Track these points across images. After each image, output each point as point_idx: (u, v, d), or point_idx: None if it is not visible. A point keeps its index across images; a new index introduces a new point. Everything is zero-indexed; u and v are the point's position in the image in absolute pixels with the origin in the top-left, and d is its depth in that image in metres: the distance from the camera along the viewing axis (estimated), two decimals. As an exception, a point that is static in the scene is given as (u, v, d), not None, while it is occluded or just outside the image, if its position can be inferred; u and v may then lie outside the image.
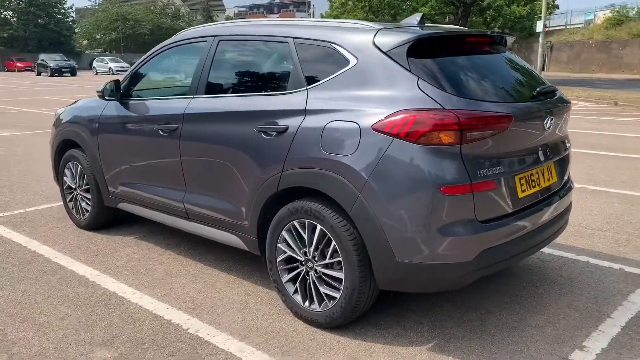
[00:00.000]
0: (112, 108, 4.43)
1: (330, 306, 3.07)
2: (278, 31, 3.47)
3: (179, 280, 3.87)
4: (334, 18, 30.12)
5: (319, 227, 3.04)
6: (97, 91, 4.51)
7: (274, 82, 3.52)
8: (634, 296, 3.60)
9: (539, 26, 23.63)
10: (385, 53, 2.93)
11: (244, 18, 80.00)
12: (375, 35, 3.02)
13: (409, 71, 2.85)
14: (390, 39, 2.96)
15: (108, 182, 4.58)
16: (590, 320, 3.27)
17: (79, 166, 4.84)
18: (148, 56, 4.33)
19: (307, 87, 3.17)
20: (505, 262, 3.07)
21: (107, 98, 4.41)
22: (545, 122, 3.14)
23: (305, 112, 3.09)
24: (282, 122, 3.18)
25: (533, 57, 42.67)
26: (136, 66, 4.40)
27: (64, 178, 5.06)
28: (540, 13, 23.47)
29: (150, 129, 4.05)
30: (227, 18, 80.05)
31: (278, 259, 3.30)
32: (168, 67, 4.63)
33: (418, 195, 2.70)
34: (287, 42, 3.37)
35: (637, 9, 36.29)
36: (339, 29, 3.22)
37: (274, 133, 3.21)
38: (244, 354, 2.92)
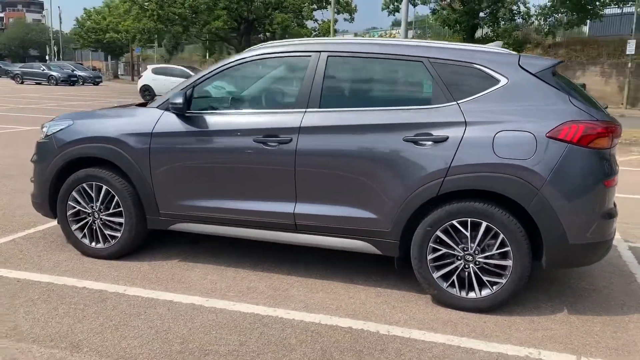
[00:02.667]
0: (173, 121, 4.07)
1: (494, 291, 3.54)
2: (409, 51, 3.78)
3: (317, 294, 3.84)
4: (116, 24, 28.13)
5: (484, 224, 3.49)
6: (152, 104, 4.08)
7: (411, 97, 3.82)
8: None
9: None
10: (533, 74, 3.55)
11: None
12: (519, 59, 3.61)
13: (559, 90, 3.52)
14: (535, 63, 3.60)
15: (160, 203, 4.16)
16: None
17: (104, 187, 4.25)
18: (219, 68, 4.11)
19: (458, 102, 3.59)
20: None
21: (173, 111, 4.02)
22: None
23: (465, 124, 3.52)
24: (439, 132, 3.54)
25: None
26: (201, 78, 4.12)
27: (69, 202, 4.35)
28: (325, 34, 25.88)
29: (243, 142, 3.90)
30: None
31: (429, 257, 3.63)
32: (246, 80, 4.41)
33: (589, 188, 3.40)
34: (421, 62, 3.72)
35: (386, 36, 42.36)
36: (477, 52, 3.72)
37: (430, 143, 3.54)
38: (456, 341, 3.22)
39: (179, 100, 3.92)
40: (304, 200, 3.85)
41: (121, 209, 4.25)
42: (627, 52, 25.02)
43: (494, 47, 3.94)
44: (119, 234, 4.30)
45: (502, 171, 3.43)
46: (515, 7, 30.37)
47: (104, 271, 4.14)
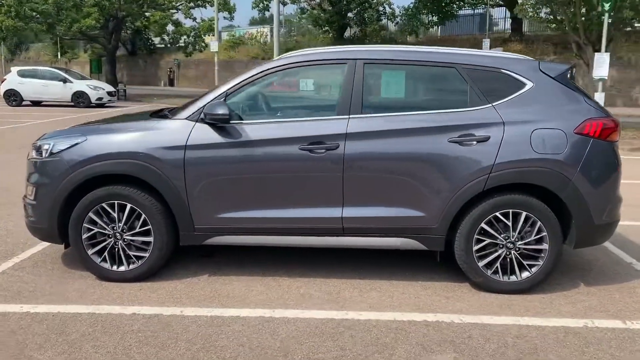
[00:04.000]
0: (209, 133, 3.94)
1: (533, 273, 3.95)
2: (441, 58, 4.04)
3: (370, 293, 3.95)
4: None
5: (524, 213, 3.89)
6: (182, 115, 3.91)
7: (448, 101, 4.08)
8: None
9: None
10: (553, 78, 4.01)
11: None
12: (539, 65, 4.05)
13: (574, 91, 4.02)
14: (553, 67, 4.06)
15: (196, 217, 4.01)
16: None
17: (128, 206, 3.99)
18: (252, 76, 4.04)
19: (493, 104, 3.94)
20: None
21: (213, 122, 3.89)
22: None
23: (503, 124, 3.87)
24: (481, 133, 3.86)
25: (160, 72, 44.75)
26: (234, 87, 4.02)
27: (84, 225, 4.02)
28: (207, 33, 25.30)
29: (288, 151, 3.91)
30: None
31: (474, 248, 3.95)
32: (283, 87, 4.32)
33: (609, 175, 3.93)
34: (454, 68, 4.01)
35: (247, 35, 42.20)
36: (503, 59, 4.09)
37: (474, 142, 3.86)
38: (521, 321, 3.57)
39: (223, 111, 3.82)
40: (352, 204, 3.96)
41: (149, 227, 4.02)
42: (483, 51, 27.68)
43: (498, 52, 4.35)
44: (146, 254, 4.06)
45: (540, 165, 3.84)
46: (381, 8, 32.18)
47: (139, 295, 3.89)
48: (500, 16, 32.46)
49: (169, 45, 36.12)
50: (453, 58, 4.06)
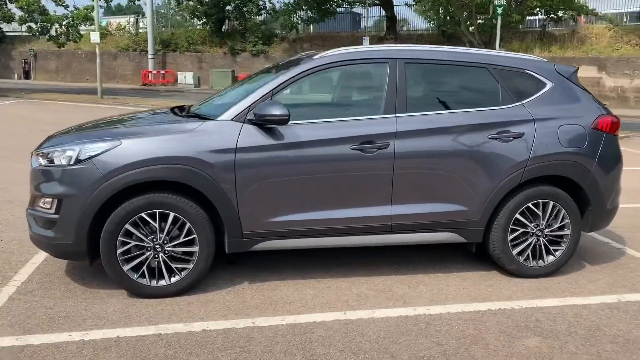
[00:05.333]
0: (259, 134, 3.76)
1: (558, 256, 4.32)
2: (474, 58, 4.23)
3: (419, 288, 4.02)
4: None
5: (551, 203, 4.23)
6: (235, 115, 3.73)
7: (483, 99, 4.24)
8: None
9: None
10: (567, 78, 4.39)
11: None
12: (554, 66, 4.41)
13: (584, 90, 4.44)
14: (565, 69, 4.44)
15: (245, 223, 3.81)
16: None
17: (171, 214, 3.68)
18: (294, 76, 3.92)
19: (522, 102, 4.22)
20: None
21: (259, 122, 3.71)
22: None
23: (534, 120, 4.17)
24: (516, 129, 4.13)
25: (13, 64, 40.42)
26: (277, 87, 3.87)
27: (120, 238, 3.64)
28: (84, 22, 23.24)
29: (340, 151, 3.86)
30: None
31: (510, 237, 4.22)
32: (321, 87, 4.15)
33: (617, 165, 4.40)
34: (485, 68, 4.23)
35: (111, 24, 39.69)
36: (526, 60, 4.39)
37: (511, 138, 4.11)
38: (566, 301, 3.90)
39: (282, 112, 3.65)
40: (400, 202, 4.02)
41: (193, 236, 3.74)
42: (361, 47, 28.74)
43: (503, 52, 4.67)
44: (189, 265, 3.78)
45: (567, 158, 4.20)
46: (261, 3, 32.05)
47: (193, 310, 3.62)
48: (375, 15, 33.91)
49: (24, 34, 32.74)
50: (485, 58, 4.27)
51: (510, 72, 4.29)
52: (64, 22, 22.71)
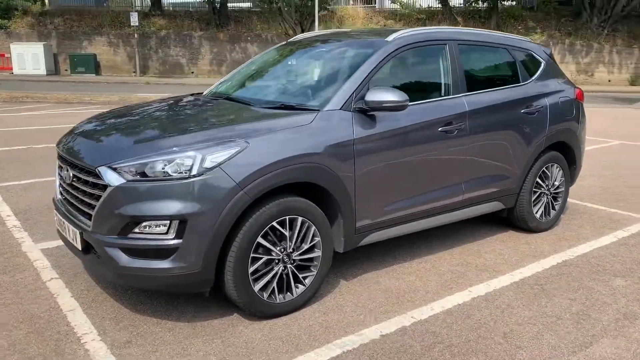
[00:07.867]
0: (367, 122, 3.56)
1: (557, 210, 5.06)
2: (498, 40, 4.64)
3: (484, 274, 4.27)
4: None
5: (556, 165, 4.93)
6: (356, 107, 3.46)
7: (509, 77, 4.63)
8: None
9: None
10: (549, 56, 5.09)
11: None
12: (541, 46, 5.06)
13: (558, 67, 5.21)
14: (548, 49, 5.12)
15: (359, 217, 3.59)
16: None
17: (299, 219, 3.28)
18: (380, 63, 3.76)
19: (533, 79, 4.78)
20: None
21: (371, 109, 3.52)
22: None
23: (545, 95, 4.78)
24: (537, 103, 4.68)
25: None
26: (369, 75, 3.67)
27: (252, 255, 3.13)
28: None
29: (433, 133, 3.91)
30: None
31: (532, 199, 4.80)
32: (405, 70, 3.93)
33: (585, 126, 5.28)
34: (506, 49, 4.66)
35: None
36: (527, 42, 4.93)
37: (536, 112, 4.65)
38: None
39: (399, 97, 3.48)
40: (468, 178, 4.24)
41: (318, 239, 3.40)
42: (132, 24, 26.79)
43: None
44: (313, 272, 3.43)
45: (568, 126, 4.92)
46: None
47: (293, 333, 3.16)
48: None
49: None
50: (505, 40, 4.71)
51: (521, 52, 4.81)
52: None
